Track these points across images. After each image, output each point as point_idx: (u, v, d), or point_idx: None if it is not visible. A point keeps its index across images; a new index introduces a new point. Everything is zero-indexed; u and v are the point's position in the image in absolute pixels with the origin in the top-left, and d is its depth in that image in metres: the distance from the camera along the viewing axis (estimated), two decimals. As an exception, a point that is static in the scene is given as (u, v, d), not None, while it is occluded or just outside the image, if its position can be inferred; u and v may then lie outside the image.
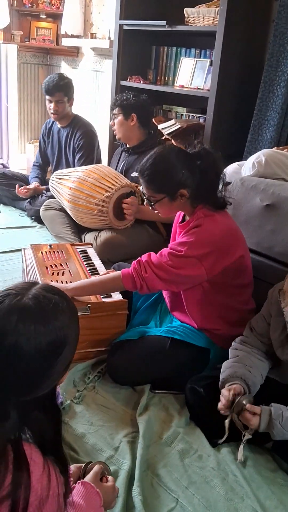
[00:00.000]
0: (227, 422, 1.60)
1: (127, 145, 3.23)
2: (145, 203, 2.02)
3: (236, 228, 1.97)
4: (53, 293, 1.07)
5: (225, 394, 1.61)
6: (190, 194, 1.89)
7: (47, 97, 3.60)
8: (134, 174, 3.13)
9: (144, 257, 1.93)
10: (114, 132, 3.24)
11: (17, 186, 3.79)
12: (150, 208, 2.02)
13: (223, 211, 1.95)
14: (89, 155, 3.64)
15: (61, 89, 3.56)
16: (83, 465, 1.33)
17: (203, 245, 1.84)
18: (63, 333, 1.03)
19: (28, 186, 3.81)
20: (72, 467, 1.31)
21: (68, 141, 3.72)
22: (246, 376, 1.66)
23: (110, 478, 1.33)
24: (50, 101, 3.60)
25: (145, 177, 1.91)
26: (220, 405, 1.61)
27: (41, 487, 0.99)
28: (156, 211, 2.02)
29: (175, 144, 2.86)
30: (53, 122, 3.87)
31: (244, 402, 1.57)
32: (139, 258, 1.95)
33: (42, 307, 1.01)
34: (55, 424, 1.09)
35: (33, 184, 3.88)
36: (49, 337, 1.00)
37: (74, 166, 3.63)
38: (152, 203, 1.96)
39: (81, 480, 1.25)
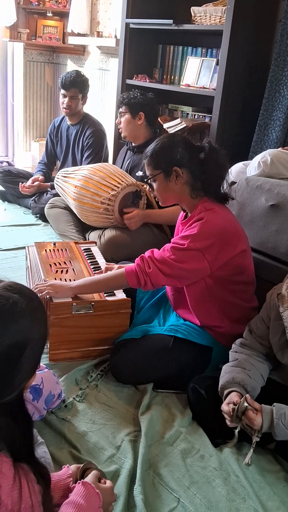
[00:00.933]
0: (236, 432, 1.59)
1: (133, 144, 3.23)
2: (150, 196, 2.05)
3: (237, 223, 1.99)
4: (14, 291, 1.01)
5: (226, 410, 1.60)
6: (187, 179, 1.93)
7: (62, 91, 3.62)
8: (139, 173, 3.13)
9: (147, 253, 1.94)
10: (120, 130, 3.23)
11: (20, 184, 3.80)
12: (147, 183, 2.06)
13: (224, 206, 1.97)
14: (97, 154, 3.64)
15: (77, 85, 3.59)
16: (81, 466, 1.32)
17: (205, 237, 1.85)
18: (22, 336, 0.98)
19: (29, 183, 3.81)
20: (72, 467, 1.30)
21: (77, 139, 3.73)
22: (245, 382, 1.65)
23: (108, 481, 1.31)
24: (65, 96, 3.62)
25: (146, 155, 1.99)
26: (228, 423, 1.60)
27: (11, 502, 0.95)
28: (156, 198, 2.08)
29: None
30: (61, 120, 3.88)
31: (245, 404, 1.56)
32: (142, 254, 1.95)
33: None
34: (26, 431, 1.04)
35: (36, 176, 3.87)
36: (6, 341, 0.95)
37: (81, 164, 3.64)
38: (149, 181, 2.02)
39: (82, 480, 1.24)
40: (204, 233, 1.85)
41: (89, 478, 1.25)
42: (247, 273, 1.99)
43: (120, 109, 3.15)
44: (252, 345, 1.79)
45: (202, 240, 1.84)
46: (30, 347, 1.00)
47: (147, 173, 2.03)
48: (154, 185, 2.00)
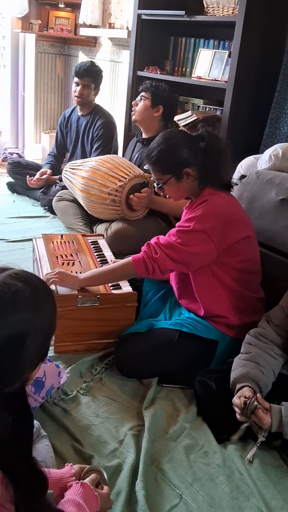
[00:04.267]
0: (244, 426, 1.58)
1: (143, 136, 3.19)
2: (155, 189, 2.04)
3: (241, 209, 2.00)
4: (19, 279, 0.98)
5: (237, 403, 1.58)
6: (195, 175, 1.93)
7: (76, 79, 3.61)
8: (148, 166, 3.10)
9: (153, 240, 1.95)
10: (133, 112, 3.15)
11: (28, 177, 3.78)
12: (161, 194, 2.06)
13: (229, 193, 1.99)
14: (107, 145, 3.61)
15: (91, 74, 3.58)
16: (86, 469, 1.30)
17: (210, 218, 1.86)
18: (21, 326, 0.95)
19: (37, 176, 3.79)
20: (76, 467, 1.28)
21: (87, 130, 3.70)
22: (259, 378, 1.63)
23: (105, 487, 1.28)
24: (77, 84, 3.61)
25: (151, 160, 1.98)
26: (238, 416, 1.58)
27: None
28: (167, 196, 2.07)
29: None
30: (71, 112, 3.86)
31: (255, 403, 1.54)
32: (148, 242, 1.94)
33: None
34: (24, 428, 1.00)
35: (44, 169, 3.86)
36: (4, 330, 0.92)
37: (90, 156, 3.61)
38: (160, 186, 2.00)
39: (80, 481, 1.21)
40: (208, 214, 1.87)
41: (87, 481, 1.22)
42: (252, 262, 1.99)
43: (143, 93, 3.09)
44: (268, 335, 1.76)
45: (206, 221, 1.85)
46: (31, 339, 0.97)
47: (154, 177, 2.02)
48: (165, 187, 2.00)
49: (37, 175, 3.82)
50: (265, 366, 1.66)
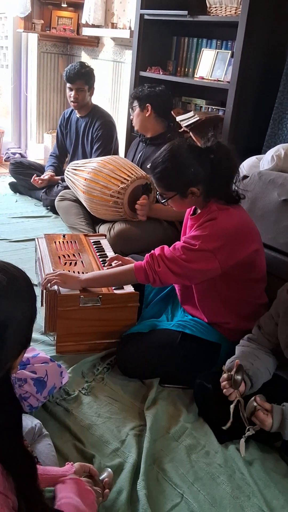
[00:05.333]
0: (232, 406, 1.56)
1: (145, 136, 3.20)
2: (157, 197, 2.00)
3: (250, 221, 1.94)
4: None
5: (223, 377, 1.58)
6: (202, 191, 1.87)
7: (68, 84, 3.59)
8: (150, 166, 3.10)
9: (157, 251, 1.91)
10: (133, 123, 3.22)
11: (34, 176, 3.78)
12: (163, 204, 2.00)
13: (237, 205, 1.92)
14: (107, 146, 3.61)
15: (82, 77, 3.55)
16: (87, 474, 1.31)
17: (217, 238, 1.81)
18: (2, 316, 0.95)
19: (42, 177, 3.80)
20: (76, 465, 1.29)
21: (87, 131, 3.70)
22: (247, 367, 1.63)
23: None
24: (71, 89, 3.59)
25: (155, 176, 1.91)
26: (224, 391, 1.57)
27: None
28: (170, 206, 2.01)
29: (187, 138, 2.83)
30: (71, 112, 3.85)
31: (254, 404, 1.54)
32: (152, 251, 1.92)
33: None
34: (12, 416, 1.01)
35: (48, 172, 3.87)
36: None
37: (90, 157, 3.62)
38: (164, 200, 1.95)
39: (72, 477, 1.22)
40: (216, 234, 1.81)
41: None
42: (258, 271, 1.96)
43: (132, 104, 3.14)
44: (260, 341, 1.77)
45: (213, 241, 1.81)
46: (12, 328, 0.97)
47: (158, 190, 1.96)
48: (169, 201, 1.94)
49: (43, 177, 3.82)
50: (254, 360, 1.67)
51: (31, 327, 1.05)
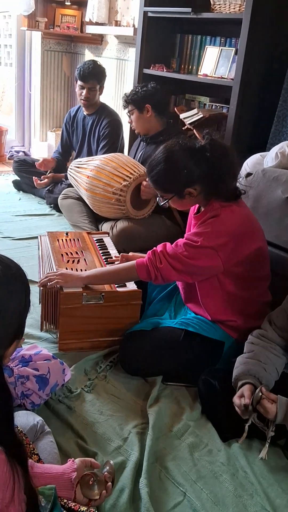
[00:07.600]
0: (247, 426, 1.56)
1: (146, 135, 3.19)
2: (158, 200, 1.99)
3: (253, 219, 1.93)
4: None
5: (237, 403, 1.57)
6: (200, 190, 1.86)
7: (80, 83, 3.57)
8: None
9: (159, 247, 1.90)
10: (133, 128, 3.20)
11: (35, 179, 3.77)
12: (163, 205, 2.00)
13: (239, 202, 1.90)
14: (113, 144, 3.61)
15: (96, 77, 3.55)
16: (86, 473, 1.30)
17: (220, 235, 1.80)
18: None
19: (44, 176, 3.80)
20: (77, 461, 1.28)
21: (94, 129, 3.69)
22: (261, 375, 1.62)
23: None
24: (83, 88, 3.57)
25: (151, 179, 1.91)
26: (239, 411, 1.57)
27: None
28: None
29: (191, 136, 2.81)
30: (77, 110, 3.85)
31: (260, 394, 1.53)
32: (154, 248, 1.92)
33: None
34: (5, 404, 1.01)
35: (51, 160, 3.87)
36: None
37: (96, 154, 3.61)
38: (163, 203, 1.95)
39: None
40: (218, 231, 1.81)
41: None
42: (261, 269, 1.95)
43: (128, 109, 3.12)
44: (270, 336, 1.75)
45: (216, 239, 1.80)
46: (5, 317, 0.98)
47: (157, 192, 1.96)
48: (170, 202, 1.94)
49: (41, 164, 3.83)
50: (267, 363, 1.66)
51: (23, 317, 1.06)
